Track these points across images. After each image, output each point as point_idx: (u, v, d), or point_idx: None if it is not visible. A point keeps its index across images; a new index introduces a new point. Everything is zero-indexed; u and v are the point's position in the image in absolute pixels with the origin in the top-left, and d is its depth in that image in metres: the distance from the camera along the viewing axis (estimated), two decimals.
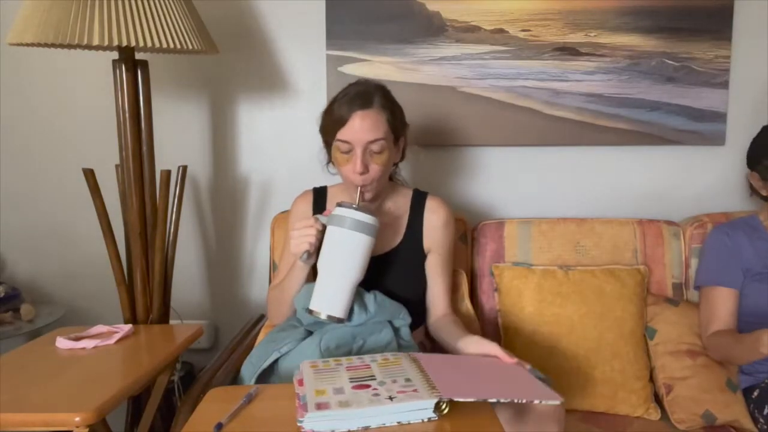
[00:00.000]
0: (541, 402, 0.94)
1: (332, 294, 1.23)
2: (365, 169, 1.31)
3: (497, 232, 1.76)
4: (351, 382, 1.00)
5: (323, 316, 1.22)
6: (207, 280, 2.01)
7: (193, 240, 1.99)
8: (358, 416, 0.90)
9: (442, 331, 1.40)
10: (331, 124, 1.34)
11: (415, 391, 0.95)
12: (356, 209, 1.22)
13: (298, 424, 0.89)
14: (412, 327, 1.35)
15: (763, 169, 1.59)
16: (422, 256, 1.45)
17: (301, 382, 1.01)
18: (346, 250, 1.22)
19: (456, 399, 0.92)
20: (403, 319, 1.33)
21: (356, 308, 1.28)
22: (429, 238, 1.45)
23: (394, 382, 0.99)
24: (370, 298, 1.31)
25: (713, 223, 1.73)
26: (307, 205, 1.48)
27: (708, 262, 1.67)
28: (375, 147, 1.31)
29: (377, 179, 1.33)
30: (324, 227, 1.25)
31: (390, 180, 1.49)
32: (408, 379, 1.00)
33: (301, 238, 1.25)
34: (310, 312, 1.23)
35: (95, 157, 1.83)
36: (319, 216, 1.27)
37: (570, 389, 1.58)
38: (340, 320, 1.23)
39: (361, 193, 1.32)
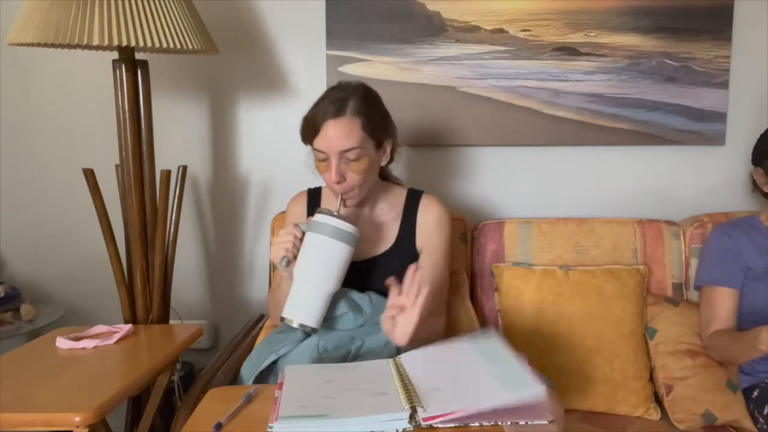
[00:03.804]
0: (527, 423, 0.90)
1: (305, 302, 1.19)
2: (341, 178, 1.28)
3: (497, 232, 1.76)
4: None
5: (295, 324, 1.18)
6: (207, 280, 2.01)
7: (193, 240, 1.99)
8: (330, 425, 0.88)
9: None
10: (306, 132, 1.32)
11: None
12: (335, 216, 1.19)
13: (268, 430, 0.87)
14: None
15: None
16: (415, 256, 1.42)
17: (281, 387, 1.00)
18: (322, 258, 1.19)
19: (437, 425, 0.89)
20: None
21: (351, 313, 1.26)
22: (421, 238, 1.42)
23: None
24: (364, 299, 1.30)
25: (713, 223, 1.73)
26: (302, 206, 1.47)
27: (708, 262, 1.67)
28: (350, 155, 1.28)
29: (357, 186, 1.31)
30: (303, 234, 1.22)
31: (384, 180, 1.48)
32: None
33: (279, 245, 1.22)
34: (282, 320, 1.19)
35: (95, 157, 1.83)
36: (299, 223, 1.25)
37: (570, 389, 1.58)
38: (312, 330, 1.19)
39: (343, 200, 1.30)
